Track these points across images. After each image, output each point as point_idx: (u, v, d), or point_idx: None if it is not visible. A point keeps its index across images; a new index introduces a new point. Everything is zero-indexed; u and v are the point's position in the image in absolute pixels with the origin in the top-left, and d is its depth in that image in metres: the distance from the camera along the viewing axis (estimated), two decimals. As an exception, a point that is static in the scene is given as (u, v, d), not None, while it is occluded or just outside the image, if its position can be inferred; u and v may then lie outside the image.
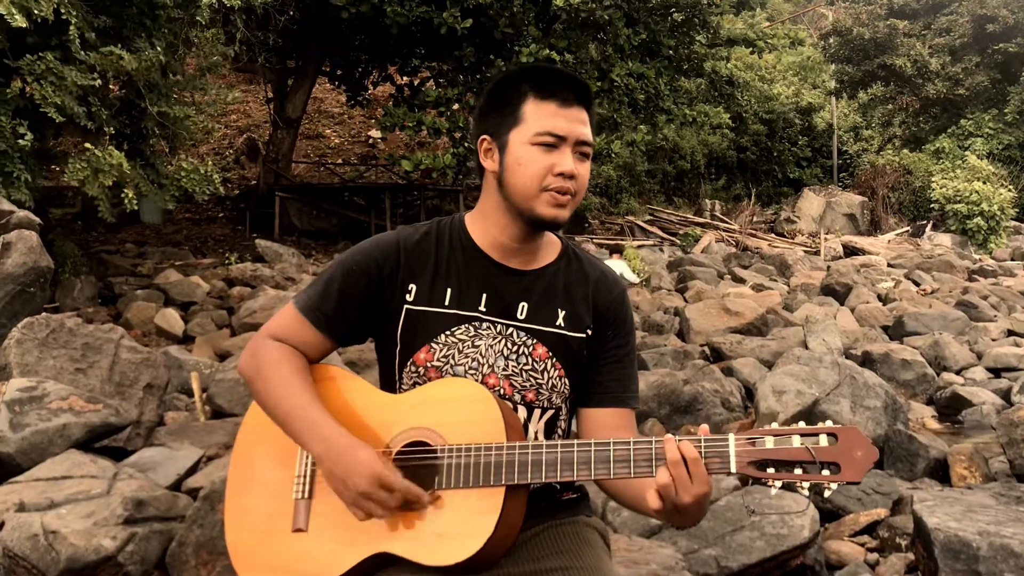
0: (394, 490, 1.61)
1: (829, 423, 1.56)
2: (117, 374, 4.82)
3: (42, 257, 6.02)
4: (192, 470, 4.06)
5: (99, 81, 9.37)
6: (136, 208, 10.28)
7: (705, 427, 1.61)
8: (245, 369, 1.86)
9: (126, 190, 9.84)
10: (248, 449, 1.86)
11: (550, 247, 1.93)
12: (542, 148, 1.74)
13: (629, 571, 2.65)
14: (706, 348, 9.55)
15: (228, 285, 12.32)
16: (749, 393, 7.44)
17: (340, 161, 25.32)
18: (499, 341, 1.82)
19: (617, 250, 18.74)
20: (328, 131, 27.39)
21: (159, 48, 10.13)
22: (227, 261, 14.46)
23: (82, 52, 9.12)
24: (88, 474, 3.54)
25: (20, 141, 8.81)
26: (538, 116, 1.75)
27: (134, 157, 11.01)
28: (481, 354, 1.81)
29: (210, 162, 12.86)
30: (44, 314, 5.09)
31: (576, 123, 1.76)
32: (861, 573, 3.78)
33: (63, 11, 8.63)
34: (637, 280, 15.93)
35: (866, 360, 8.57)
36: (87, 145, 9.62)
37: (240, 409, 5.74)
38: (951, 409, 7.86)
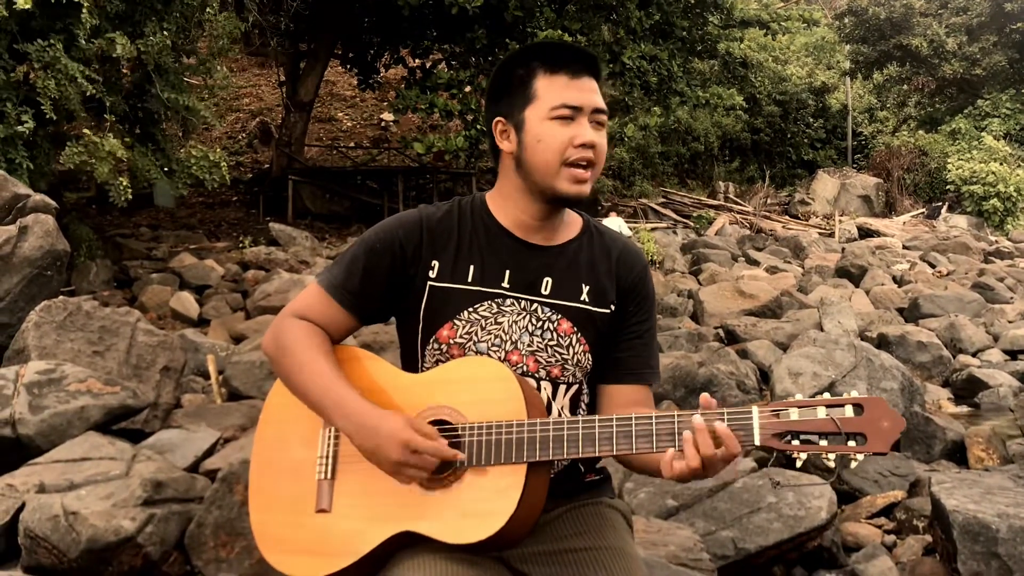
0: (424, 452, 1.62)
1: (855, 394, 1.54)
2: (134, 357, 4.84)
3: (59, 241, 6.03)
4: (209, 452, 4.08)
5: (100, 77, 9.35)
6: (146, 192, 10.29)
7: (706, 395, 1.61)
8: (269, 347, 1.86)
9: (121, 178, 9.83)
10: (270, 431, 1.87)
11: (572, 223, 1.92)
12: (560, 122, 1.74)
13: (648, 552, 2.65)
14: (720, 331, 9.52)
15: (242, 268, 12.36)
16: (764, 376, 7.42)
17: (353, 144, 25.31)
18: (523, 317, 1.82)
19: (614, 209, 18.75)
20: (340, 114, 27.37)
21: (167, 33, 10.10)
22: (241, 245, 14.50)
23: (84, 42, 9.10)
24: (107, 456, 3.56)
25: (19, 128, 8.80)
26: (551, 90, 1.75)
27: (145, 142, 11.02)
28: (504, 331, 1.81)
29: (219, 149, 12.87)
30: (61, 297, 5.11)
31: (589, 92, 1.77)
32: (878, 555, 3.77)
33: None
34: (630, 235, 16.02)
35: (882, 342, 8.53)
36: (85, 131, 9.62)
37: (256, 391, 5.76)
38: (967, 391, 7.81)
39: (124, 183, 9.85)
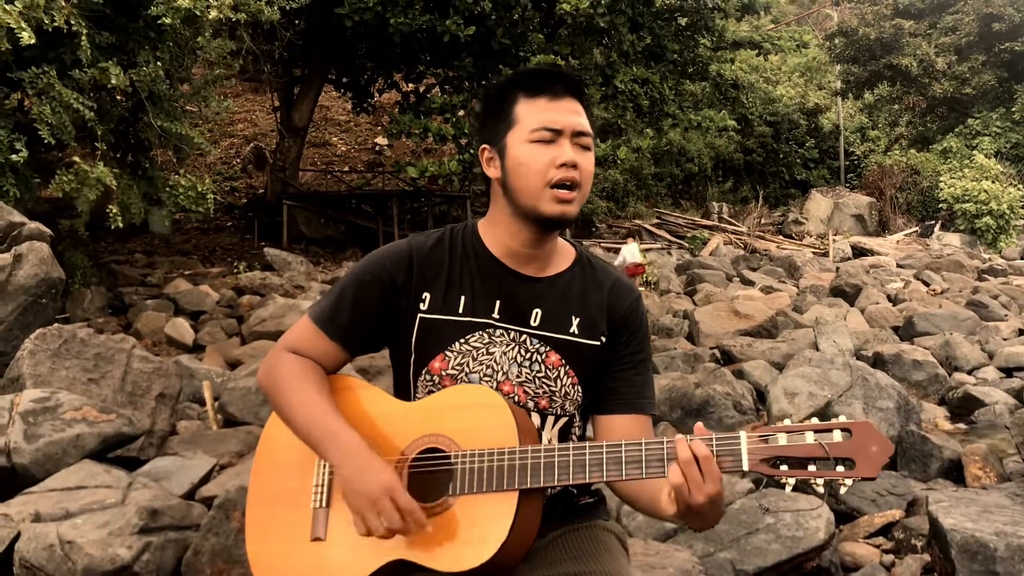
0: (401, 507, 1.61)
1: (843, 419, 1.54)
2: (129, 384, 4.84)
3: (53, 268, 6.04)
4: (205, 479, 4.07)
5: (94, 104, 9.38)
6: (128, 221, 10.29)
7: (700, 425, 1.59)
8: (263, 381, 1.86)
9: (111, 206, 9.84)
10: (268, 460, 1.87)
11: (564, 254, 1.92)
12: (540, 144, 1.73)
13: (646, 575, 2.64)
14: (716, 351, 9.53)
15: (237, 294, 12.36)
16: (760, 396, 7.42)
17: (347, 168, 25.39)
18: (512, 348, 1.81)
19: (633, 234, 18.89)
20: (335, 139, 27.47)
21: (160, 63, 10.15)
22: (236, 270, 14.51)
23: (78, 71, 9.13)
24: (103, 484, 3.54)
25: (13, 156, 8.82)
26: (530, 113, 1.75)
27: (134, 171, 11.04)
28: (495, 361, 1.80)
29: (208, 179, 12.87)
30: (56, 325, 5.11)
31: (570, 114, 1.76)
32: (877, 575, 3.77)
33: (72, 22, 8.67)
34: (645, 261, 16.11)
35: (877, 361, 8.54)
36: (75, 159, 9.64)
37: (252, 417, 5.74)
38: (963, 409, 7.81)
39: (115, 211, 9.86)
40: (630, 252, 16.43)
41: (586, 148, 1.78)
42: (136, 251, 16.19)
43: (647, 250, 20.66)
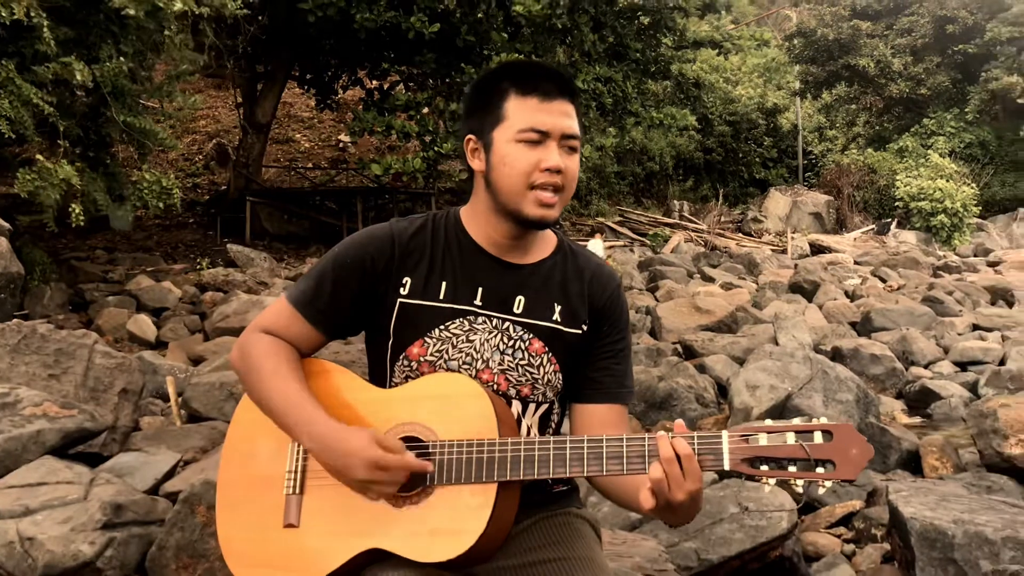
0: (391, 468, 1.60)
1: (824, 420, 1.55)
2: (91, 379, 4.77)
3: (12, 263, 5.95)
4: (169, 474, 4.02)
5: (55, 99, 9.24)
6: (102, 215, 10.15)
7: (680, 422, 1.60)
8: (236, 362, 1.84)
9: (73, 205, 9.69)
10: (238, 446, 1.85)
11: (545, 242, 1.92)
12: (527, 145, 1.72)
13: (614, 564, 2.67)
14: (678, 346, 9.61)
15: (200, 290, 12.22)
16: (722, 389, 7.51)
17: (311, 165, 25.20)
18: (495, 335, 1.81)
19: (599, 230, 19.08)
20: (298, 135, 27.26)
21: (124, 57, 10.01)
22: (199, 266, 14.34)
23: (40, 66, 8.98)
24: (64, 480, 3.49)
25: None
26: (520, 112, 1.73)
27: (96, 167, 10.88)
28: (475, 349, 1.80)
29: (172, 174, 12.74)
30: (15, 320, 5.03)
31: (560, 116, 1.74)
32: (838, 564, 3.83)
33: (33, 15, 8.51)
34: (607, 256, 16.52)
35: (836, 355, 8.66)
36: (38, 156, 9.48)
37: (216, 413, 5.69)
38: (920, 402, 7.96)
39: (77, 209, 9.71)
40: (593, 248, 16.54)
41: (573, 151, 1.77)
42: (97, 247, 15.95)
43: (611, 247, 20.78)
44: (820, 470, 1.51)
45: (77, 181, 9.47)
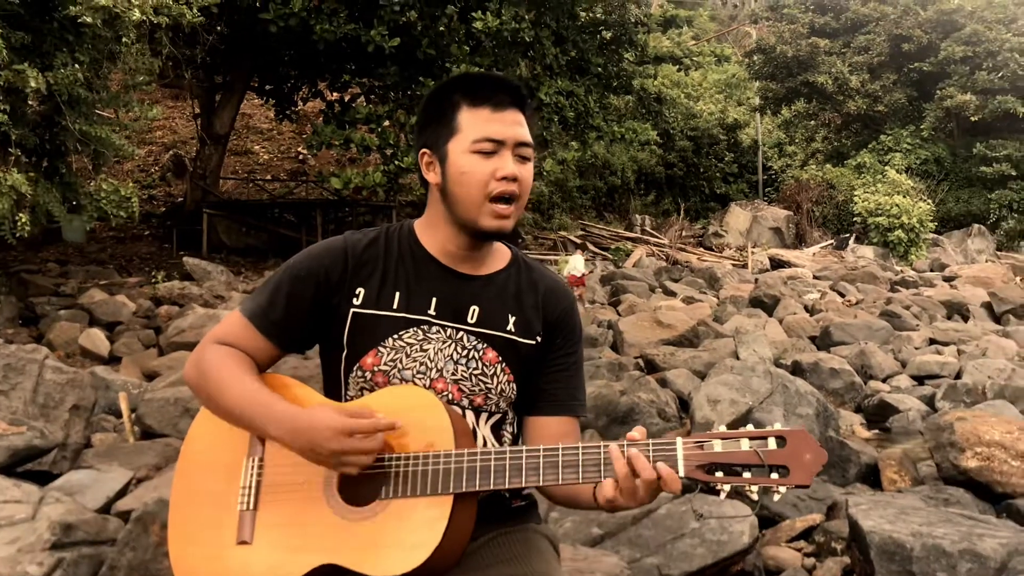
0: (362, 430, 1.59)
1: (778, 426, 1.56)
2: (41, 395, 4.66)
3: (-41, 276, 5.81)
4: (122, 492, 3.94)
5: (7, 106, 9.06)
6: (54, 227, 9.96)
7: (640, 429, 1.60)
8: (191, 375, 1.81)
9: (21, 214, 9.50)
10: (192, 462, 1.81)
11: (500, 254, 1.92)
12: (482, 155, 1.73)
13: (575, 580, 2.65)
14: (640, 360, 9.63)
15: (155, 304, 12.05)
16: (684, 403, 7.52)
17: (270, 177, 25.02)
18: (448, 345, 1.80)
19: (581, 247, 19.35)
20: (257, 147, 27.06)
21: (80, 65, 9.86)
22: (154, 280, 14.14)
23: None
24: (11, 499, 3.40)
25: None
26: (473, 123, 1.74)
27: (51, 176, 10.70)
28: (429, 358, 1.79)
29: (131, 184, 12.58)
30: (-37, 334, 4.91)
31: (512, 125, 1.75)
32: (799, 577, 3.83)
33: None
34: (587, 271, 16.99)
35: (796, 369, 8.73)
36: None
37: (170, 429, 5.59)
38: (878, 416, 8.04)
39: (24, 219, 9.51)
40: (574, 263, 16.97)
41: (526, 159, 1.78)
42: (49, 260, 15.68)
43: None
44: (775, 476, 1.51)
45: (28, 190, 9.27)
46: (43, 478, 4.08)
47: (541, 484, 1.63)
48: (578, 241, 24.62)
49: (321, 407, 1.65)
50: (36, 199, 9.89)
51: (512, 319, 1.85)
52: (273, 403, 1.68)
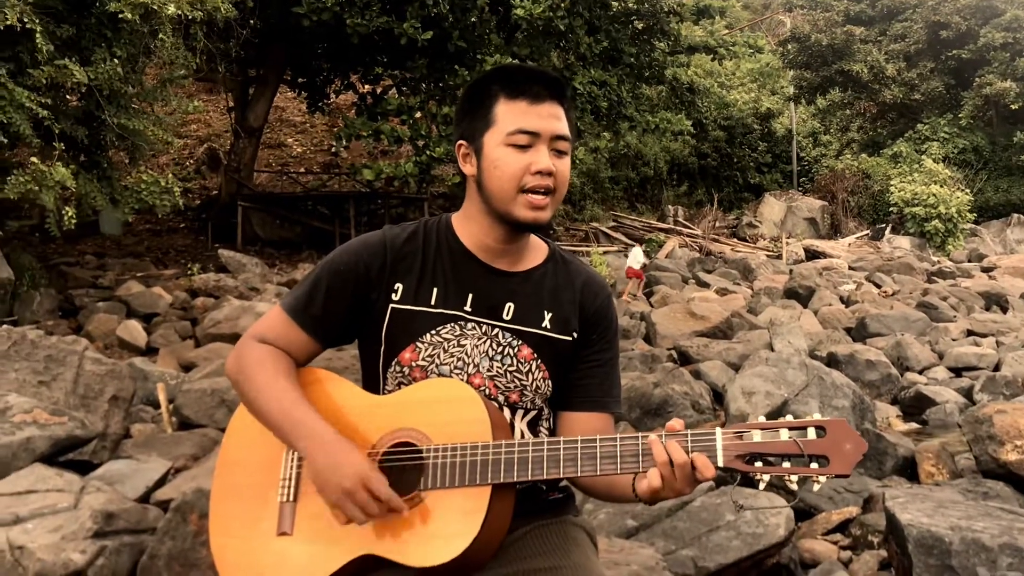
0: (377, 496, 1.60)
1: (816, 416, 1.55)
2: (81, 386, 4.73)
3: (1, 269, 5.91)
4: (161, 482, 3.99)
5: (50, 100, 9.18)
6: (91, 220, 10.08)
7: (678, 421, 1.60)
8: (231, 371, 1.84)
9: (67, 208, 9.64)
10: (233, 454, 1.84)
11: (537, 249, 1.92)
12: (516, 148, 1.72)
13: (611, 572, 2.65)
14: (673, 352, 9.59)
15: (191, 296, 12.18)
16: (717, 395, 7.49)
17: (303, 170, 25.15)
18: (484, 341, 1.81)
19: (639, 240, 19.41)
20: (290, 140, 27.21)
21: (118, 60, 9.98)
22: (190, 272, 14.28)
23: (35, 69, 8.94)
24: (54, 488, 3.45)
25: None
26: (509, 116, 1.74)
27: (91, 169, 10.85)
28: (467, 354, 1.79)
29: (171, 174, 12.71)
30: (5, 326, 4.99)
31: (549, 119, 1.74)
32: (835, 571, 3.80)
33: (26, 20, 8.48)
34: (647, 261, 17.18)
35: (831, 361, 8.66)
36: (33, 160, 9.43)
37: (207, 420, 5.66)
38: (915, 408, 7.95)
39: (70, 212, 9.65)
40: (634, 256, 17.03)
41: (563, 153, 1.78)
42: (87, 253, 15.89)
43: (605, 252, 20.78)
44: (814, 466, 1.51)
45: (72, 183, 9.41)
46: (84, 467, 4.14)
47: (579, 475, 1.63)
48: (613, 234, 24.49)
49: (358, 450, 1.66)
50: (80, 191, 10.03)
51: (548, 315, 1.85)
52: (306, 417, 1.70)
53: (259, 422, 1.77)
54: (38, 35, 8.69)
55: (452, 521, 1.62)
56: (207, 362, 7.68)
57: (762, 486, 1.55)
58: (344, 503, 1.62)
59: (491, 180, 1.75)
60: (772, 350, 8.77)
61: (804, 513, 4.62)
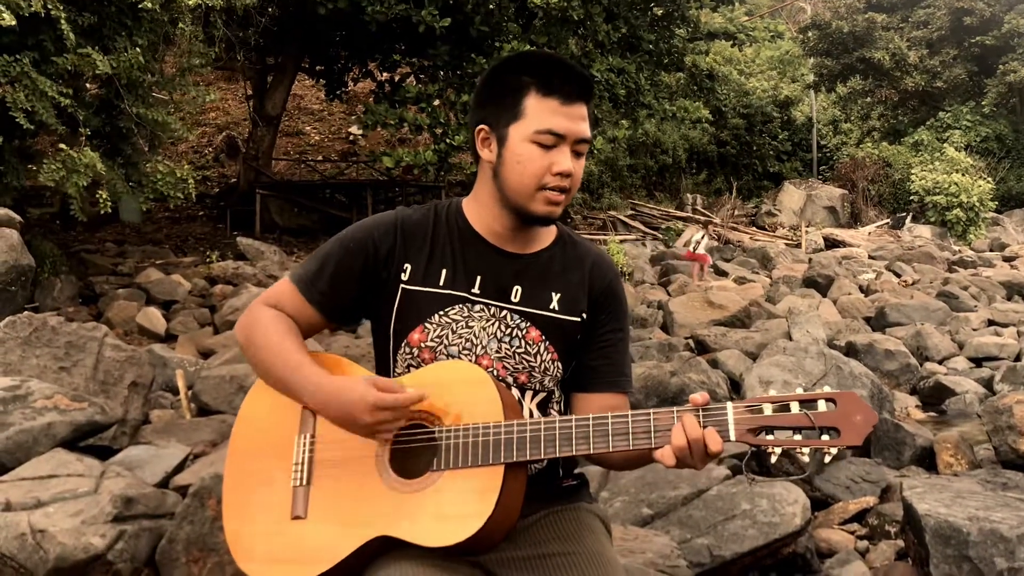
0: (396, 407, 1.64)
1: (827, 389, 1.56)
2: (101, 372, 4.78)
3: (23, 255, 5.96)
4: (179, 468, 4.02)
5: (71, 90, 9.22)
6: (112, 208, 10.14)
7: (705, 395, 1.61)
8: (240, 334, 1.88)
9: (100, 192, 9.71)
10: (244, 440, 1.85)
11: (546, 231, 1.93)
12: (541, 147, 1.73)
13: (626, 560, 2.65)
14: (690, 341, 9.57)
15: (210, 283, 12.23)
16: (735, 385, 7.47)
17: (321, 158, 25.19)
18: (492, 323, 1.82)
19: (703, 224, 19.33)
20: (308, 128, 27.26)
21: (139, 48, 10.02)
22: (208, 259, 14.35)
23: (59, 56, 8.99)
24: (75, 472, 3.49)
25: None
26: (540, 113, 1.74)
27: (113, 156, 10.90)
28: (475, 335, 1.81)
29: (186, 165, 12.76)
30: (26, 313, 5.04)
31: (577, 120, 1.76)
32: (852, 560, 3.79)
33: (50, 7, 8.51)
34: (706, 242, 17.13)
35: (850, 351, 8.61)
36: (62, 146, 9.49)
37: (226, 406, 5.70)
38: (934, 398, 7.91)
39: (104, 196, 9.72)
40: (697, 237, 16.99)
41: (581, 155, 1.79)
42: (106, 240, 15.98)
43: (622, 241, 20.73)
44: (825, 437, 1.53)
45: (101, 167, 9.48)
46: (104, 453, 4.17)
47: (592, 452, 1.65)
48: (631, 222, 24.41)
49: (356, 380, 1.69)
50: (106, 177, 10.09)
51: (556, 297, 1.86)
52: (312, 373, 1.73)
53: (265, 381, 1.81)
54: (63, 22, 8.72)
55: (466, 501, 1.63)
56: (226, 349, 7.72)
57: (773, 459, 1.56)
58: (375, 435, 1.68)
59: (511, 173, 1.76)
60: (790, 339, 8.74)
61: (821, 502, 4.61)
